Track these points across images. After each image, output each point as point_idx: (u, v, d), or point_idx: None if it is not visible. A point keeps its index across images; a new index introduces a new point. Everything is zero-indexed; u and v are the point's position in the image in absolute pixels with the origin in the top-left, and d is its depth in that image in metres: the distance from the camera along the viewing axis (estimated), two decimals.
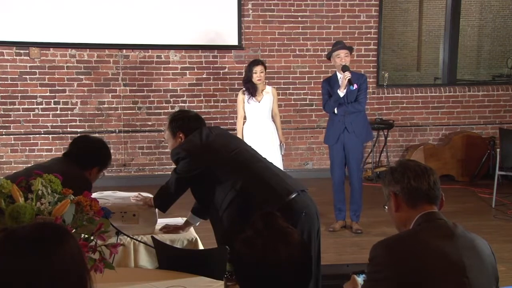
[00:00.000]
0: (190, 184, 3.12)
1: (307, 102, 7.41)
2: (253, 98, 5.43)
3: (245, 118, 5.60)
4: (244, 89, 5.51)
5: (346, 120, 5.24)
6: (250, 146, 3.29)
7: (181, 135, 3.11)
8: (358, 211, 5.41)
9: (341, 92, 5.15)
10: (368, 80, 7.36)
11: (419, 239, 1.91)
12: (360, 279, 2.14)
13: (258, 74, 5.37)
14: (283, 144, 5.66)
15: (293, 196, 2.89)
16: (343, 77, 5.10)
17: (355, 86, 5.10)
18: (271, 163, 3.19)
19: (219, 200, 2.97)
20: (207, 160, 3.01)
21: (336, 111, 5.27)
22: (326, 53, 7.29)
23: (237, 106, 5.69)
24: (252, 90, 5.42)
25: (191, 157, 3.02)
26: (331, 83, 5.31)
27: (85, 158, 3.04)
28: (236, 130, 5.69)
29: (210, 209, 3.09)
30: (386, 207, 2.11)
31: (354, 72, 5.30)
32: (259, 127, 5.48)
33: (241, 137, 5.50)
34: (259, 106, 5.46)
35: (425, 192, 2.01)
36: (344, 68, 5.11)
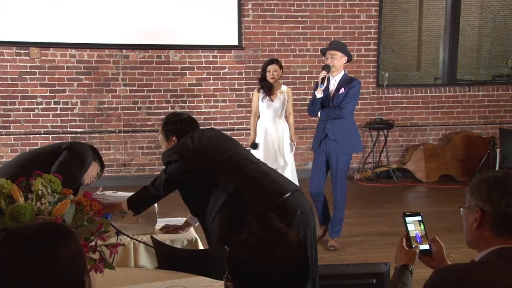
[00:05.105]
0: (178, 188, 3.10)
1: (307, 102, 7.38)
2: (268, 97, 5.52)
3: (259, 116, 5.70)
4: (259, 86, 5.61)
5: (327, 126, 4.85)
6: (243, 148, 3.28)
7: (174, 138, 3.11)
8: (337, 227, 4.98)
9: (318, 94, 4.82)
10: (368, 80, 7.47)
11: (494, 275, 1.62)
12: (411, 225, 2.01)
13: (271, 72, 5.47)
14: (294, 144, 5.72)
15: (287, 195, 2.88)
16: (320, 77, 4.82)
17: (325, 84, 4.76)
18: (265, 164, 3.19)
19: (211, 203, 2.94)
20: (199, 163, 3.00)
21: (319, 114, 4.93)
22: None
23: (252, 103, 5.81)
24: (267, 89, 5.51)
25: (182, 160, 3.01)
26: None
27: (85, 151, 3.26)
28: (249, 126, 5.75)
29: (201, 216, 3.07)
30: (463, 212, 1.78)
31: (347, 75, 4.93)
32: (269, 125, 5.57)
33: (253, 133, 5.65)
34: (270, 105, 5.54)
35: None
36: (324, 67, 4.83)
